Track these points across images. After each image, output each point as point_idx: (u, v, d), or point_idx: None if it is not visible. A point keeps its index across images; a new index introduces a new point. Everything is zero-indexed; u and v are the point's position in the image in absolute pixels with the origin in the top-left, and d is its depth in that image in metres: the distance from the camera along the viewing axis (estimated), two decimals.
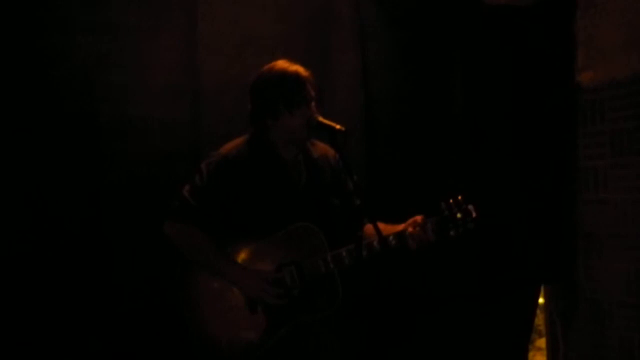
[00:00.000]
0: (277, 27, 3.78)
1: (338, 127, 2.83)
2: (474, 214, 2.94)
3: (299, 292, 2.95)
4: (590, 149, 4.14)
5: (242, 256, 2.98)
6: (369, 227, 3.06)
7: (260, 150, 3.02)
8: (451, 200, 2.95)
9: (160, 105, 3.65)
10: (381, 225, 2.88)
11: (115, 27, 3.59)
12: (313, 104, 2.96)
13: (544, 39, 4.13)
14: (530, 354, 4.98)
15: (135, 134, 3.63)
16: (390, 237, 2.92)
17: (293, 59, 3.02)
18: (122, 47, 3.60)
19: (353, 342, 3.20)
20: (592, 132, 4.12)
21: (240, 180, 2.96)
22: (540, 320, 4.97)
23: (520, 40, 4.09)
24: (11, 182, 3.47)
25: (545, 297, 4.61)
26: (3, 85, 3.47)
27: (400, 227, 2.96)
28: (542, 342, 5.00)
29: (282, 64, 2.98)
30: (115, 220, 3.60)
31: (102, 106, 3.59)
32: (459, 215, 2.93)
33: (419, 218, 2.94)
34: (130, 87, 3.61)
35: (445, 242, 3.01)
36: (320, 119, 2.91)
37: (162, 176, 3.57)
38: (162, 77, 3.65)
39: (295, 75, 2.94)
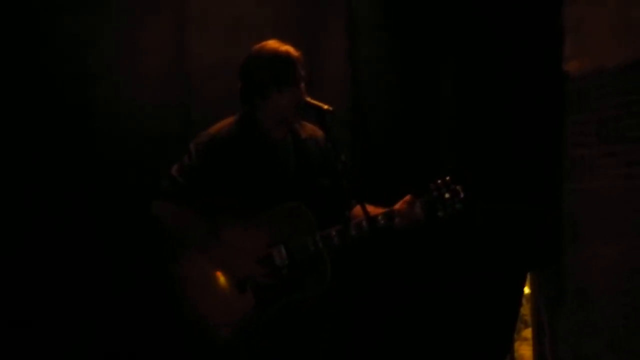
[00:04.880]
0: (266, 9, 3.79)
1: (326, 107, 2.85)
2: (462, 195, 2.96)
3: (288, 272, 2.95)
4: (577, 137, 4.15)
5: (230, 236, 2.97)
6: (357, 209, 3.06)
7: (250, 131, 3.02)
8: (439, 181, 2.97)
9: (149, 88, 3.66)
10: (370, 208, 2.89)
11: (105, 9, 3.59)
12: (302, 84, 2.97)
13: (532, 27, 4.14)
14: (516, 344, 4.99)
15: (124, 117, 3.64)
16: (379, 217, 2.94)
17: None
18: (112, 29, 3.60)
19: (341, 324, 3.20)
20: (579, 120, 4.14)
21: (228, 160, 2.97)
22: (526, 310, 4.98)
23: (508, 28, 4.10)
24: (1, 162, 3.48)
25: (531, 287, 4.62)
26: None
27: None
28: (528, 332, 5.00)
29: (273, 43, 2.99)
30: (105, 202, 3.60)
31: (91, 89, 3.60)
32: (447, 195, 2.95)
33: (408, 198, 2.97)
34: (120, 69, 3.62)
35: (433, 224, 3.04)
36: (309, 99, 2.93)
37: (151, 159, 3.56)
38: (152, 59, 3.67)
39: (286, 55, 2.95)
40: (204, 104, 3.69)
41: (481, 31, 4.09)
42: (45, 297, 3.54)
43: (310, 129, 3.15)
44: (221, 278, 2.97)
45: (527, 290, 4.64)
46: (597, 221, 4.07)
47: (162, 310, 3.38)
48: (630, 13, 3.90)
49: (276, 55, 2.94)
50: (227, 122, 3.06)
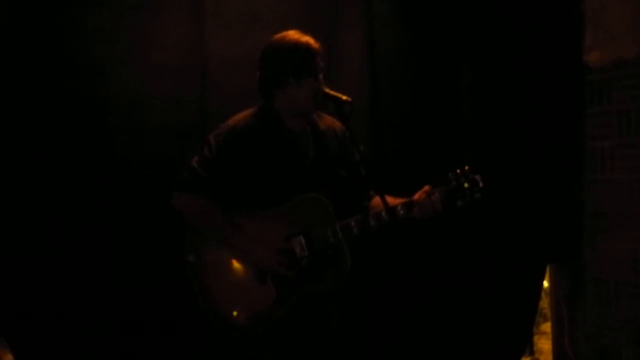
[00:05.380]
0: (283, 2, 3.77)
1: (345, 98, 2.85)
2: (481, 184, 2.94)
3: (308, 263, 2.95)
4: (597, 128, 4.14)
5: (250, 227, 2.97)
6: (376, 200, 3.06)
7: (268, 122, 3.02)
8: (458, 171, 2.95)
9: (167, 82, 3.65)
10: (388, 198, 2.89)
11: (122, 3, 3.59)
12: (321, 75, 2.97)
13: (552, 18, 4.11)
14: (535, 338, 4.98)
15: (142, 111, 3.63)
16: (399, 207, 2.93)
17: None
18: (130, 23, 3.60)
19: (356, 315, 3.19)
20: (599, 112, 4.12)
21: (248, 151, 2.97)
22: (545, 303, 4.96)
23: (528, 19, 4.08)
24: (18, 156, 3.49)
25: (550, 280, 4.60)
26: (9, 62, 3.47)
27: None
28: (547, 327, 4.98)
29: (293, 34, 2.99)
30: (121, 196, 3.60)
31: (108, 83, 3.59)
32: (466, 185, 2.93)
33: (426, 188, 2.95)
34: (138, 63, 3.61)
35: (452, 216, 3.02)
36: (327, 90, 2.92)
37: (168, 153, 3.56)
38: (169, 54, 3.66)
39: (306, 46, 2.95)
40: (221, 97, 3.67)
41: (499, 21, 4.07)
42: (61, 292, 3.55)
43: (328, 120, 3.15)
44: (242, 268, 2.98)
45: (546, 283, 4.62)
46: (616, 213, 4.06)
47: (178, 305, 3.41)
48: None
49: (296, 46, 2.94)
50: (245, 113, 3.05)
